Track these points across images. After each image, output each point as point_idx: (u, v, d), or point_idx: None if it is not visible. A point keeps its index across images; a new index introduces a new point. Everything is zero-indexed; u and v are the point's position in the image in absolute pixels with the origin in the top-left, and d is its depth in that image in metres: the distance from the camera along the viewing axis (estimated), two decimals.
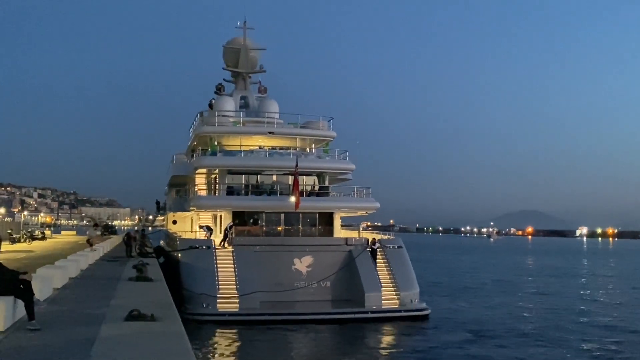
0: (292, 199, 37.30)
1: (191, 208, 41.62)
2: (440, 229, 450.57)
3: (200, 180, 43.51)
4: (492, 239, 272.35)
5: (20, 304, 11.04)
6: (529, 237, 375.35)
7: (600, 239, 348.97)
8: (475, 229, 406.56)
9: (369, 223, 44.16)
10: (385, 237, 40.31)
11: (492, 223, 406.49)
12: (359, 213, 42.89)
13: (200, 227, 40.14)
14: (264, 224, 39.82)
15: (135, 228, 50.23)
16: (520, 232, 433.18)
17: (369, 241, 36.99)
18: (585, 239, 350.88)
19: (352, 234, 41.02)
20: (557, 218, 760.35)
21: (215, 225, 40.68)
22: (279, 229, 39.85)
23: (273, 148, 43.19)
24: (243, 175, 41.23)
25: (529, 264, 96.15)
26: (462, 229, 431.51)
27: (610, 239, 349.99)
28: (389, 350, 26.74)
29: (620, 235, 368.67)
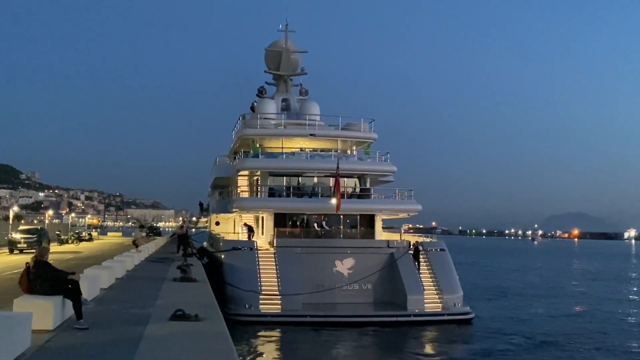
0: (334, 201, 37.25)
1: (234, 209, 41.92)
2: (484, 231, 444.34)
3: (243, 182, 43.82)
4: (536, 242, 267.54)
5: (69, 303, 11.25)
6: (575, 239, 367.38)
7: None
8: (519, 232, 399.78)
9: (410, 225, 43.79)
10: (428, 239, 39.98)
11: (536, 225, 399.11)
12: (401, 215, 42.60)
13: (245, 224, 40.46)
14: (305, 225, 39.81)
15: (180, 225, 50.64)
16: (566, 235, 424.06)
17: (411, 244, 36.71)
18: (634, 241, 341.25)
19: (394, 236, 40.73)
20: (605, 220, 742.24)
21: (257, 226, 40.93)
22: (320, 230, 39.80)
23: (314, 150, 43.23)
24: (284, 177, 41.34)
25: (575, 268, 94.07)
26: (506, 231, 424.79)
27: None
28: (431, 355, 26.46)
29: None
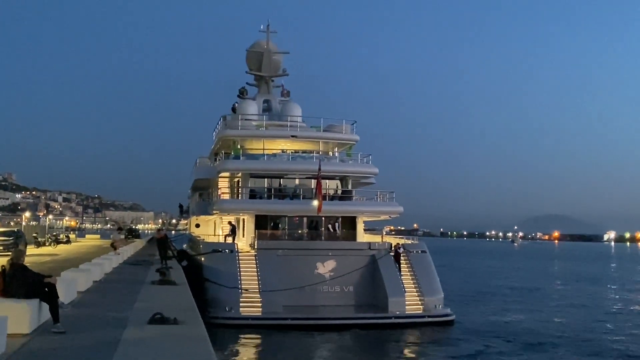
0: (315, 202, 37.27)
1: (214, 212, 41.76)
2: (465, 233, 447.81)
3: (223, 184, 43.68)
4: (516, 244, 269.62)
5: (45, 306, 11.14)
6: (555, 241, 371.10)
7: (628, 243, 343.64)
8: (500, 234, 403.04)
9: (392, 227, 44.05)
10: (409, 241, 40.11)
11: (516, 227, 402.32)
12: (382, 217, 42.78)
13: (229, 223, 40.32)
14: (286, 227, 39.81)
15: (158, 228, 50.17)
16: (546, 237, 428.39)
17: (393, 246, 36.84)
18: (613, 243, 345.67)
19: (375, 238, 40.82)
20: (584, 222, 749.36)
21: (239, 228, 40.84)
22: (302, 232, 39.82)
23: (296, 151, 43.24)
24: (266, 179, 41.27)
25: (555, 270, 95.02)
26: (487, 233, 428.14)
27: (639, 243, 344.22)
28: (413, 358, 26.57)
29: None
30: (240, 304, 31.85)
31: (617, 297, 53.79)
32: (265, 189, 40.88)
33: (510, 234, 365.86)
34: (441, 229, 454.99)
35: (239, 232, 40.13)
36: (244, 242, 38.31)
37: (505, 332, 31.74)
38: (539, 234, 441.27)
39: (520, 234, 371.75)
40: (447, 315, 34.45)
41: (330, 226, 39.82)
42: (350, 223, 40.28)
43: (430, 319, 33.32)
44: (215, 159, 45.85)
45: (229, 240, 37.42)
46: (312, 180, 39.17)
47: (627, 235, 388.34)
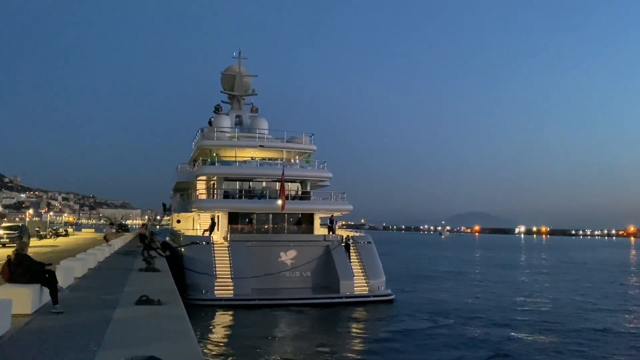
0: (279, 202, 37.22)
1: (193, 209, 41.34)
2: (403, 227, 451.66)
3: (201, 186, 43.27)
4: (443, 236, 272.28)
5: (46, 290, 10.94)
6: (477, 234, 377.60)
7: (535, 235, 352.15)
8: (431, 228, 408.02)
9: (343, 222, 44.10)
10: (357, 234, 40.37)
11: (443, 222, 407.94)
12: (335, 214, 42.93)
13: (211, 218, 39.83)
14: (255, 223, 39.63)
15: (142, 224, 48.98)
16: (469, 230, 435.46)
17: (343, 237, 37.02)
18: (522, 235, 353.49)
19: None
20: (500, 218, 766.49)
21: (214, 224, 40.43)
22: (268, 227, 39.71)
23: (263, 159, 43.09)
24: (237, 182, 41.05)
25: (476, 257, 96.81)
26: (421, 227, 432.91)
27: (544, 235, 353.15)
28: (360, 329, 26.73)
29: (552, 232, 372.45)
30: (215, 288, 31.58)
31: (525, 278, 55.08)
32: (237, 190, 40.66)
33: (439, 228, 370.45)
34: (384, 224, 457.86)
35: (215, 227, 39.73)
36: (219, 235, 37.98)
37: (437, 309, 32.17)
38: (462, 228, 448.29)
39: (448, 227, 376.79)
40: (388, 295, 34.78)
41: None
42: (308, 219, 40.33)
43: (374, 298, 33.62)
44: (194, 165, 45.39)
45: (207, 233, 37.04)
46: (277, 183, 39.16)
47: (534, 228, 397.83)
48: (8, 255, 10.84)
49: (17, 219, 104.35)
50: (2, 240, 38.34)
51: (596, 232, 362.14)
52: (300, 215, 40.25)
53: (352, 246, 36.31)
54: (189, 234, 39.47)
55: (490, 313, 31.40)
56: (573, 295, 41.39)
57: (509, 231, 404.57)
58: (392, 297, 34.71)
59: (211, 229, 37.54)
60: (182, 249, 34.98)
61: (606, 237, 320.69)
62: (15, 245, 12.97)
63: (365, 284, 34.39)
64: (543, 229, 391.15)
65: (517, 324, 28.19)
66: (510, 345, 23.32)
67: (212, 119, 46.59)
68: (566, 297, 40.13)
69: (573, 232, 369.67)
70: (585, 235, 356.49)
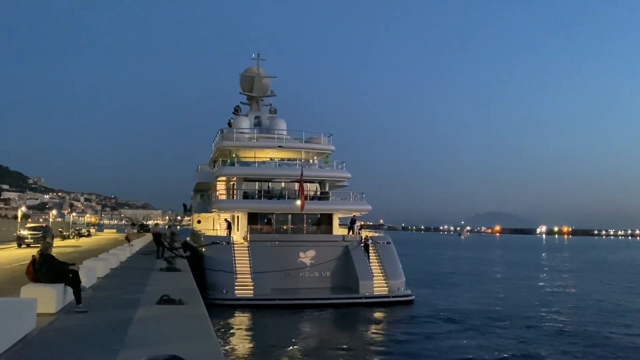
0: (298, 202, 37.26)
1: (213, 210, 41.59)
2: (422, 227, 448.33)
3: (221, 187, 43.49)
4: (462, 237, 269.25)
5: (70, 290, 11.06)
6: (497, 234, 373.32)
7: (557, 236, 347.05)
8: (451, 228, 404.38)
9: (362, 222, 44.00)
10: (376, 234, 40.22)
11: (462, 222, 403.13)
12: (354, 214, 42.85)
13: (225, 220, 40.14)
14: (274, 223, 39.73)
15: (161, 224, 49.28)
16: (489, 230, 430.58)
17: (363, 238, 36.92)
18: (544, 236, 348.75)
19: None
20: (521, 218, 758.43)
21: (234, 224, 40.65)
22: (287, 227, 39.75)
23: (282, 159, 43.18)
24: (256, 182, 41.18)
25: (496, 258, 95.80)
26: (440, 227, 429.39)
27: (565, 236, 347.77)
28: (379, 330, 26.63)
29: (574, 232, 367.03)
30: (235, 287, 31.70)
31: (547, 279, 54.35)
32: (256, 191, 40.79)
33: (459, 228, 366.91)
34: (403, 224, 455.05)
35: (234, 227, 39.96)
36: (239, 235, 38.15)
37: (457, 310, 31.89)
38: (483, 228, 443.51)
39: (468, 228, 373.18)
40: (408, 295, 34.58)
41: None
42: (327, 219, 40.31)
43: (394, 299, 33.45)
44: (214, 166, 45.67)
45: (226, 233, 37.27)
46: (296, 183, 39.19)
47: (556, 228, 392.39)
48: (33, 255, 10.99)
49: (40, 220, 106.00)
50: (26, 240, 38.97)
51: (619, 232, 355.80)
52: (319, 216, 40.21)
53: (372, 246, 36.19)
54: (209, 234, 39.71)
55: (512, 314, 31.01)
56: (597, 296, 40.72)
57: (530, 231, 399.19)
58: (412, 297, 34.50)
59: (228, 229, 37.81)
60: (203, 249, 35.20)
61: (630, 237, 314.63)
62: (39, 245, 13.15)
63: (385, 285, 34.24)
64: (565, 229, 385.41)
65: (540, 327, 27.81)
66: (533, 348, 23.01)
67: (232, 120, 46.85)
68: (590, 298, 39.50)
69: (595, 232, 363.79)
70: (608, 235, 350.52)
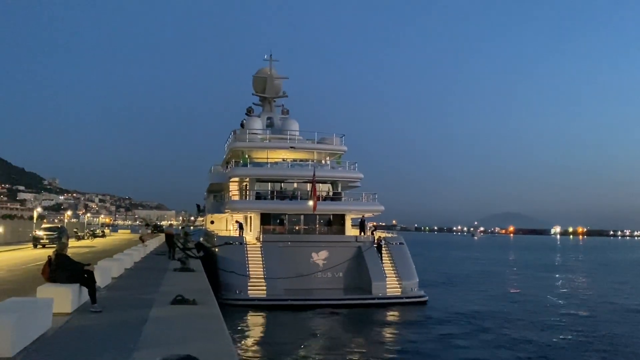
0: (310, 202, 37.28)
1: (226, 210, 41.73)
2: (435, 228, 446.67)
3: (234, 187, 43.63)
4: (475, 237, 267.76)
5: (85, 290, 11.15)
6: (511, 235, 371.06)
7: (571, 236, 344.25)
8: (464, 228, 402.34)
9: (374, 223, 44.01)
10: (389, 235, 40.12)
11: (476, 223, 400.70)
12: (367, 215, 42.79)
13: (236, 221, 40.27)
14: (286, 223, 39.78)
15: (173, 225, 49.42)
16: (503, 231, 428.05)
17: (375, 238, 36.85)
18: (558, 236, 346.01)
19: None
20: (535, 218, 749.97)
21: (246, 224, 40.76)
22: (299, 228, 39.78)
23: (294, 160, 43.22)
24: (269, 183, 41.27)
25: (510, 259, 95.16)
26: (454, 228, 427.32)
27: (580, 236, 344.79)
28: (393, 331, 26.56)
29: (589, 233, 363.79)
30: (248, 288, 31.79)
31: (562, 280, 53.88)
32: (269, 192, 40.86)
33: (472, 229, 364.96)
34: (415, 224, 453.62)
35: (247, 228, 40.07)
36: (251, 235, 38.26)
37: (471, 311, 31.70)
38: (497, 229, 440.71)
39: (481, 228, 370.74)
40: (421, 296, 34.45)
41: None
42: (340, 219, 40.27)
43: (407, 300, 33.34)
44: (227, 167, 45.81)
45: (239, 233, 37.45)
46: (308, 184, 39.23)
47: (570, 229, 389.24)
48: (48, 256, 11.11)
49: (56, 220, 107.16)
50: (42, 241, 39.38)
51: (635, 233, 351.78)
52: (331, 216, 40.21)
53: (384, 247, 36.10)
54: (222, 235, 39.87)
55: (527, 317, 30.73)
56: (612, 298, 40.29)
57: (545, 232, 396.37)
58: (425, 298, 34.36)
59: (240, 229, 37.98)
60: (216, 249, 35.35)
61: None
62: (55, 245, 13.29)
63: (398, 285, 34.13)
64: (579, 229, 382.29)
65: (554, 328, 27.56)
66: (548, 350, 22.80)
67: (244, 121, 46.98)
68: (605, 300, 39.08)
69: (611, 232, 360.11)
70: (624, 235, 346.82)
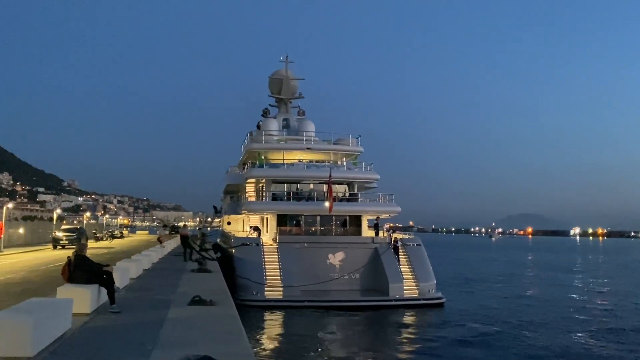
0: (327, 204, 37.24)
1: (243, 211, 41.87)
2: (453, 229, 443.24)
3: (250, 188, 43.77)
4: (493, 239, 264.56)
5: (104, 291, 11.23)
6: (529, 236, 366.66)
7: (591, 238, 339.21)
8: (482, 230, 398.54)
9: (391, 224, 43.84)
10: (406, 236, 39.93)
11: (494, 224, 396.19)
12: (383, 216, 42.60)
13: (250, 227, 40.38)
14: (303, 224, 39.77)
15: (188, 226, 49.34)
16: (521, 232, 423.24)
17: (392, 240, 36.68)
18: (578, 238, 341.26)
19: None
20: (554, 220, 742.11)
21: (263, 225, 40.84)
22: (315, 229, 39.74)
23: (310, 161, 43.21)
24: (285, 184, 41.32)
25: (529, 260, 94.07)
26: (471, 229, 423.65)
27: (600, 238, 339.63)
28: (410, 333, 26.40)
29: (608, 234, 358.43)
30: (265, 289, 31.84)
31: (582, 282, 53.12)
32: (285, 193, 40.91)
33: (490, 230, 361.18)
34: (433, 226, 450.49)
35: (263, 229, 40.15)
36: (268, 236, 38.32)
37: (489, 314, 31.43)
38: (515, 230, 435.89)
39: (499, 229, 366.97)
40: (438, 298, 34.23)
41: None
42: (356, 221, 40.17)
43: (424, 302, 33.14)
44: (244, 168, 45.99)
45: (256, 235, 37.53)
46: (324, 185, 39.19)
47: (590, 230, 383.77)
48: (68, 257, 11.20)
49: (75, 222, 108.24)
50: (61, 242, 39.88)
51: None
52: (347, 217, 40.12)
53: (401, 249, 35.92)
54: (239, 236, 39.99)
55: (545, 319, 30.38)
56: (636, 299, 39.64)
57: (564, 233, 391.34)
58: (443, 300, 34.12)
59: (258, 232, 38.04)
60: (233, 250, 35.46)
61: None
62: (74, 246, 13.42)
63: (415, 287, 33.92)
64: (599, 230, 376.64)
65: (573, 331, 27.20)
66: (568, 354, 22.48)
67: (261, 123, 47.10)
68: (630, 302, 38.48)
69: (632, 233, 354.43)
70: None
